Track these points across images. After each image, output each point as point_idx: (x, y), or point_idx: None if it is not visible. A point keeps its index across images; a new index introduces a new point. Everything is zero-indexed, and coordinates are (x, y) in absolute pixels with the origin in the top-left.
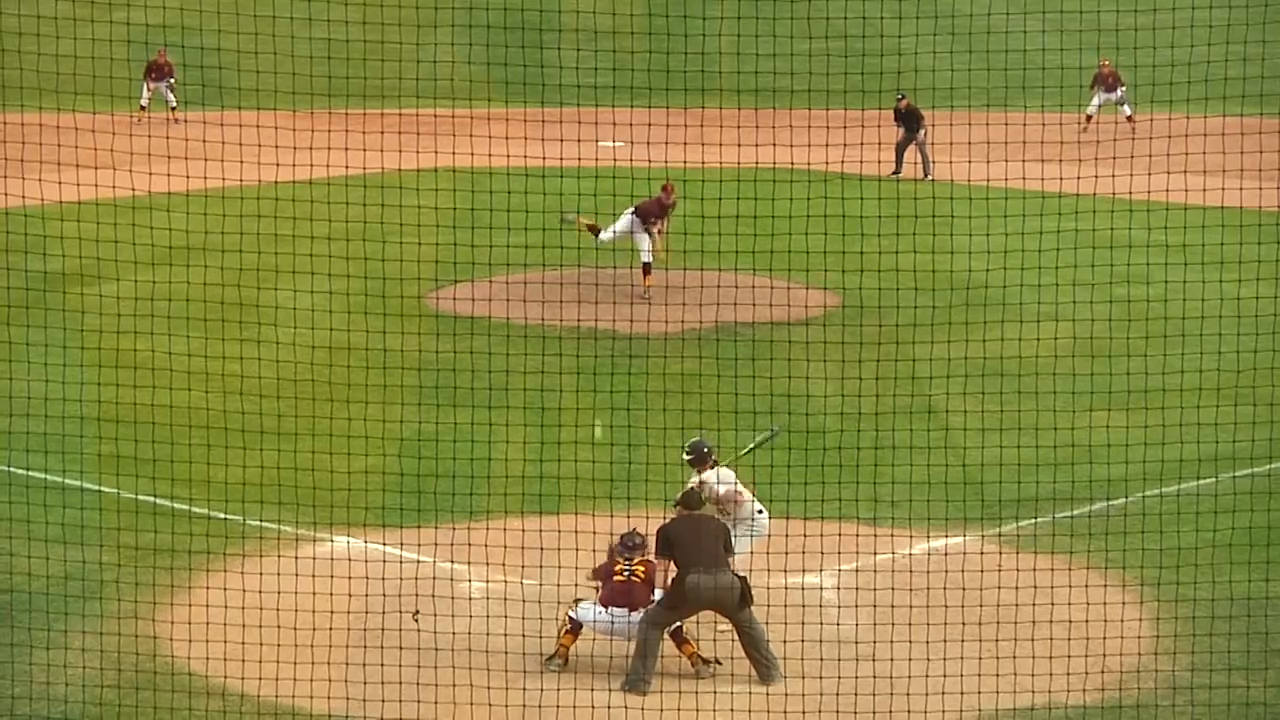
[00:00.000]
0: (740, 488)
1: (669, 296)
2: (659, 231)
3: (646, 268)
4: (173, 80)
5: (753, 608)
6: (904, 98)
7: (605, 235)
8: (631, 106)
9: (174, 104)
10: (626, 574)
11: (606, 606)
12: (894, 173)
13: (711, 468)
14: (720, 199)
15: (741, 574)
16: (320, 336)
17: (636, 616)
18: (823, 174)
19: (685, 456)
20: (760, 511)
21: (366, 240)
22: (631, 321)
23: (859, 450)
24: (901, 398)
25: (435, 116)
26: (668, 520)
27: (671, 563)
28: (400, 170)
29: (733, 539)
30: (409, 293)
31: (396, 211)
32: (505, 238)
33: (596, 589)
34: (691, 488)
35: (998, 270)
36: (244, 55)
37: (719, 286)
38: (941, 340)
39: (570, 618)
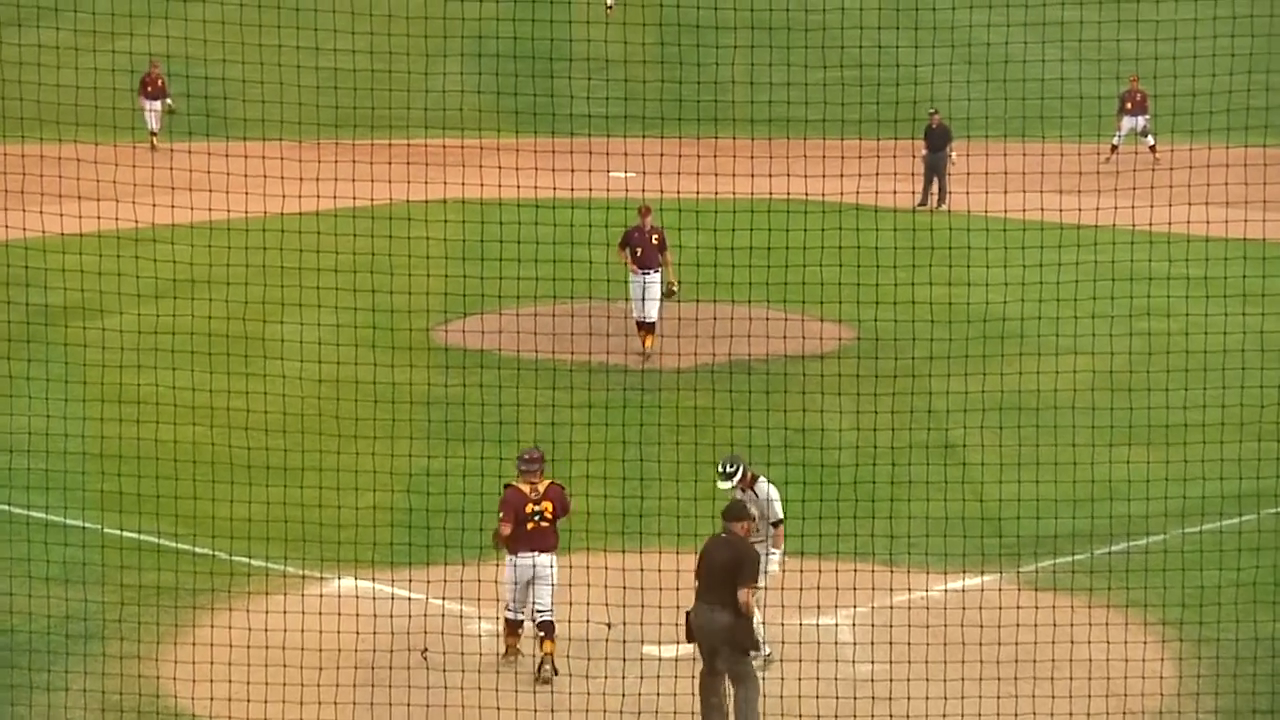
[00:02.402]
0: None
1: (680, 329)
2: (667, 263)
3: (650, 326)
4: (169, 100)
5: (758, 664)
6: (936, 112)
7: (638, 307)
8: (643, 136)
9: (156, 130)
10: (537, 517)
11: (516, 555)
12: (920, 204)
13: (752, 483)
14: (733, 230)
15: (745, 617)
16: (325, 371)
17: (545, 559)
18: (838, 205)
19: (725, 470)
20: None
21: (373, 273)
22: (643, 355)
23: (875, 487)
24: (919, 433)
25: (444, 147)
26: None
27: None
28: (408, 201)
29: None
30: (416, 326)
31: (404, 243)
32: (514, 270)
33: (500, 545)
34: (736, 498)
35: (1017, 303)
36: (248, 85)
37: (732, 319)
38: (960, 374)
39: (507, 619)
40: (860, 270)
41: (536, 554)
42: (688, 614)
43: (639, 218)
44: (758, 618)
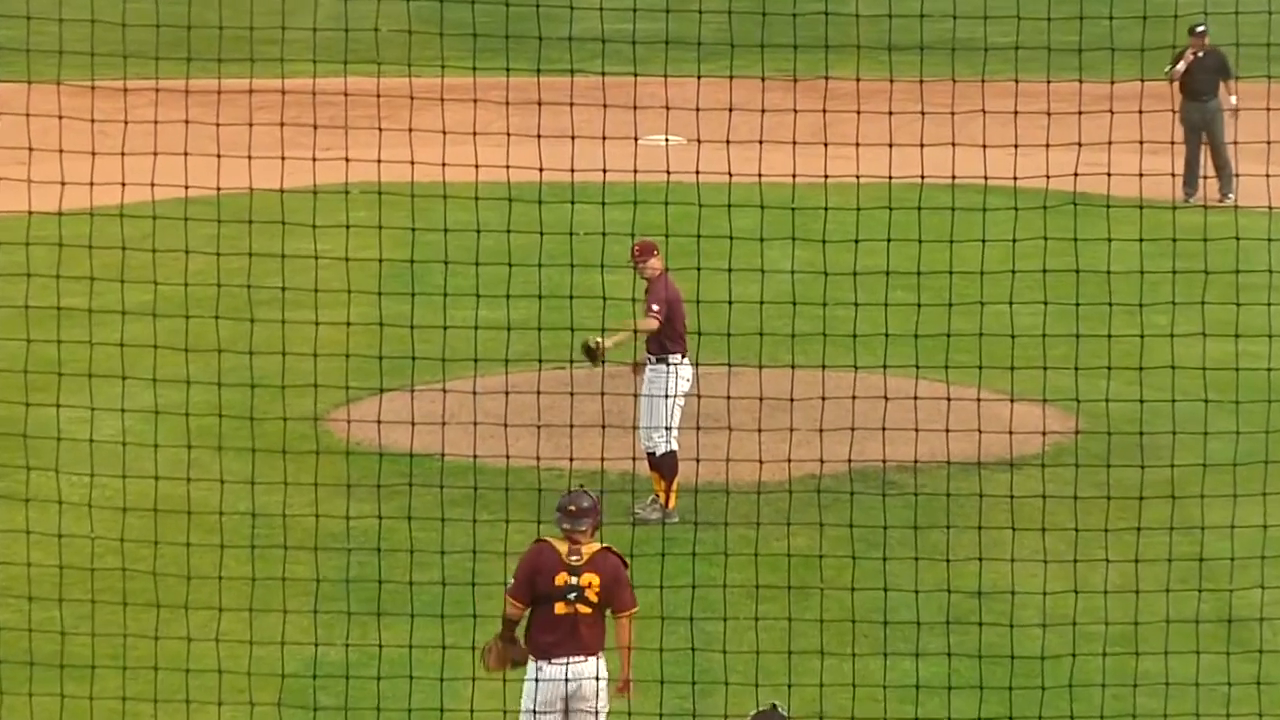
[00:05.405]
0: None
1: (768, 416)
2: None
3: (660, 461)
4: None
5: None
6: (1204, 31)
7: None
8: (698, 75)
9: None
10: (573, 595)
11: (545, 660)
12: (1187, 193)
13: None
14: (856, 241)
15: None
16: (136, 491)
17: (589, 670)
18: (1040, 196)
19: None
20: None
21: (219, 318)
22: (698, 460)
23: (1106, 693)
24: (1183, 599)
25: (346, 95)
26: None
27: None
28: (282, 191)
29: None
30: (298, 411)
31: (275, 265)
32: (470, 311)
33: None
34: (776, 703)
35: None
36: None
37: (853, 398)
38: (1254, 494)
39: None
40: (1081, 313)
41: (574, 659)
42: None
43: (629, 260)
44: None
